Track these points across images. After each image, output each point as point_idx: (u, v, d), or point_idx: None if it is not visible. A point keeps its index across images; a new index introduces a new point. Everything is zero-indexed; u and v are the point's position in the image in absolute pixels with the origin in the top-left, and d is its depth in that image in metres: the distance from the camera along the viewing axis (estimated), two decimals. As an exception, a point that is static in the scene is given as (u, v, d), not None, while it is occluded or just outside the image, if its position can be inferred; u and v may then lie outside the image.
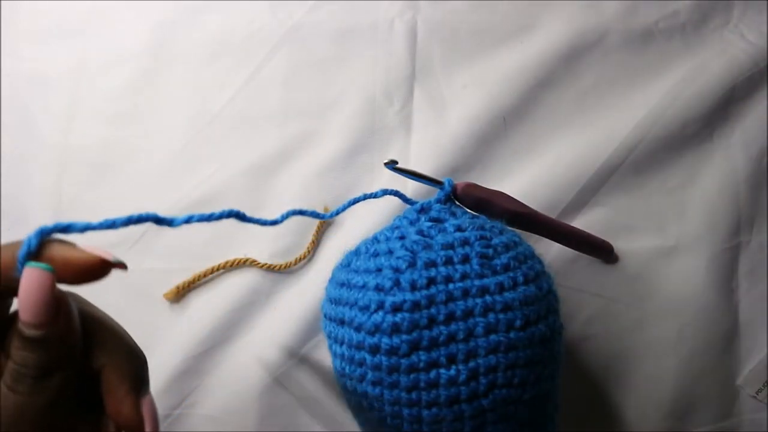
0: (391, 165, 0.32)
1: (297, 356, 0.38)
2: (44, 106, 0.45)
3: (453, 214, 0.30)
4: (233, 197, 0.42)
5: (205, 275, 0.40)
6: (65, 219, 0.42)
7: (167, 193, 0.42)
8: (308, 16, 0.46)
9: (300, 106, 0.44)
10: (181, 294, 0.40)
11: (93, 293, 0.40)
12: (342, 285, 0.30)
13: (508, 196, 0.35)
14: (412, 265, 0.27)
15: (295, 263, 0.40)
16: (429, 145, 0.43)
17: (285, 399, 0.38)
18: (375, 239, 0.30)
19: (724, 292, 0.39)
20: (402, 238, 0.29)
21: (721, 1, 0.45)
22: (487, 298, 0.26)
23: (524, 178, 0.42)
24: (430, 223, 0.29)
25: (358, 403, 0.28)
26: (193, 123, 0.44)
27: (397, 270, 0.27)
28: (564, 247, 0.39)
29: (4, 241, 0.42)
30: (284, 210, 0.41)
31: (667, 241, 0.40)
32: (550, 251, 0.40)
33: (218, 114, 0.44)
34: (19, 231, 0.43)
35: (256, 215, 0.42)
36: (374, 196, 0.32)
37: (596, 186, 0.42)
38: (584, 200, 0.41)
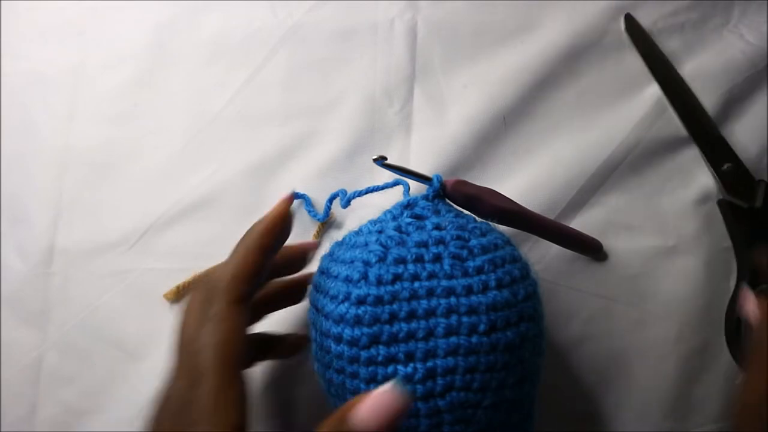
0: (380, 161, 0.32)
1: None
2: (44, 106, 0.45)
3: (437, 212, 0.31)
4: (233, 197, 0.42)
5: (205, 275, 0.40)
6: (65, 219, 0.43)
7: (167, 193, 0.42)
8: (308, 16, 0.46)
9: (300, 106, 0.44)
10: (181, 294, 0.40)
11: (93, 293, 0.41)
12: (322, 273, 0.31)
13: (498, 193, 0.35)
14: (381, 259, 0.27)
15: (295, 263, 0.40)
16: (429, 145, 0.43)
17: (286, 396, 0.38)
18: (359, 231, 0.31)
19: (723, 291, 0.39)
20: (380, 232, 0.29)
21: (721, 0, 0.45)
22: (452, 299, 0.26)
23: (524, 178, 0.42)
24: (410, 220, 0.30)
25: (326, 388, 0.29)
26: (194, 123, 0.44)
27: (366, 263, 0.27)
28: (564, 250, 0.39)
29: (4, 241, 0.42)
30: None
31: (666, 240, 0.40)
32: (549, 252, 0.40)
33: (218, 114, 0.44)
34: (20, 231, 0.43)
35: (256, 215, 0.42)
36: (387, 186, 0.35)
37: (595, 186, 0.42)
38: (583, 200, 0.41)
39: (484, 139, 0.42)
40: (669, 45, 0.44)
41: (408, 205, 0.31)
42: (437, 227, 0.29)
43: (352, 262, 0.28)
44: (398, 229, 0.29)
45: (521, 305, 0.28)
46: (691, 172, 0.42)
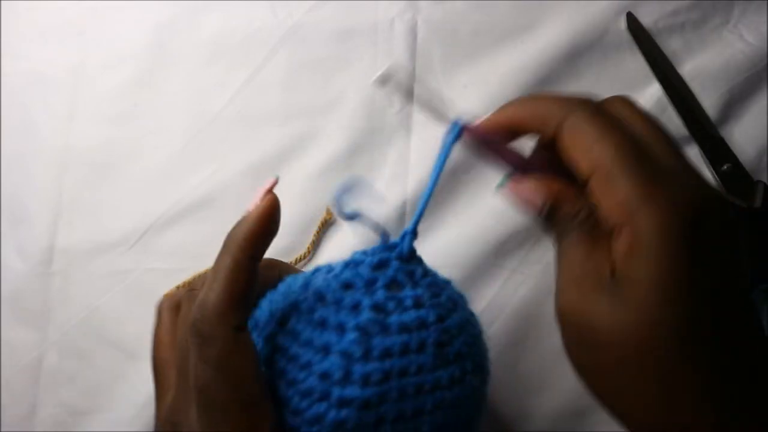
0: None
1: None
2: (44, 106, 0.45)
3: (411, 276, 0.26)
4: (233, 197, 0.42)
5: (205, 275, 0.40)
6: (65, 219, 0.43)
7: (167, 193, 0.42)
8: (308, 16, 0.46)
9: (300, 106, 0.44)
10: (181, 294, 0.40)
11: (93, 293, 0.41)
12: (281, 346, 0.25)
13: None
14: (366, 354, 0.23)
15: (296, 263, 0.40)
16: (429, 145, 0.42)
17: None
18: (320, 294, 0.25)
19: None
20: (355, 308, 0.24)
21: (721, 0, 0.45)
22: (438, 393, 0.24)
23: (524, 178, 0.42)
24: (386, 294, 0.25)
25: None
26: (194, 123, 0.44)
27: (348, 357, 0.23)
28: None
29: (4, 241, 0.42)
30: (284, 209, 0.42)
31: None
32: (548, 253, 0.40)
33: (218, 114, 0.44)
34: (20, 231, 0.43)
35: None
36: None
37: (596, 186, 0.42)
38: (584, 200, 0.41)
39: (484, 139, 0.42)
40: (669, 45, 0.44)
41: (380, 265, 0.26)
42: (417, 303, 0.25)
43: (326, 349, 0.24)
44: (376, 307, 0.24)
45: (483, 387, 0.27)
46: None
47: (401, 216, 0.41)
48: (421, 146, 0.43)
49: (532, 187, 0.23)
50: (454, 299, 0.27)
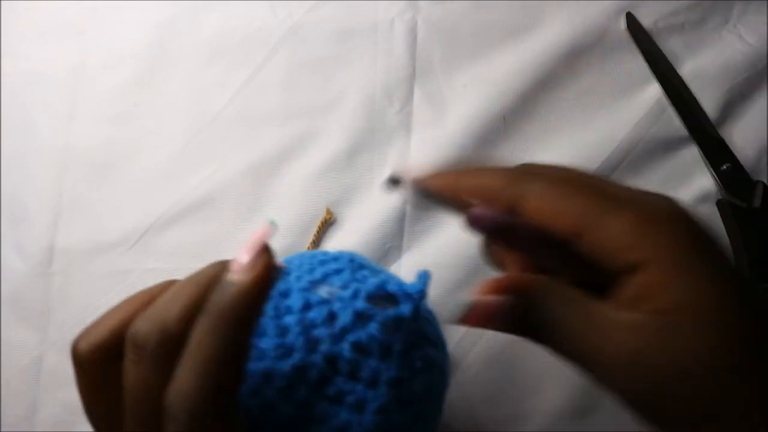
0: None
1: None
2: (44, 106, 0.45)
3: (422, 335, 0.24)
4: (233, 197, 0.42)
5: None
6: (65, 219, 0.43)
7: (167, 193, 0.42)
8: (308, 16, 0.46)
9: (300, 106, 0.44)
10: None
11: (93, 293, 0.41)
12: (287, 421, 0.23)
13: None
14: None
15: (295, 263, 0.40)
16: (429, 145, 0.43)
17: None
18: (332, 359, 0.23)
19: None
20: (373, 382, 0.23)
21: (721, 1, 0.45)
22: None
23: (524, 178, 0.42)
24: (401, 362, 0.23)
25: None
26: (193, 123, 0.44)
27: None
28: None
29: (4, 241, 0.42)
30: (284, 209, 0.42)
31: (666, 241, 0.40)
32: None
33: (218, 114, 0.44)
34: (20, 231, 0.43)
35: (257, 215, 0.42)
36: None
37: (596, 186, 0.42)
38: (584, 200, 0.41)
39: (484, 139, 0.42)
40: (669, 45, 0.44)
41: (395, 325, 0.24)
42: (427, 363, 0.24)
43: (344, 430, 0.22)
44: (395, 382, 0.23)
45: None
46: (690, 172, 0.42)
47: (401, 216, 0.41)
48: (421, 146, 0.43)
49: (492, 290, 0.20)
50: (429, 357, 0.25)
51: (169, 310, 0.19)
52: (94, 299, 0.41)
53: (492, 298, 0.20)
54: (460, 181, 0.22)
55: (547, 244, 0.20)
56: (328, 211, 0.41)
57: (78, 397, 0.39)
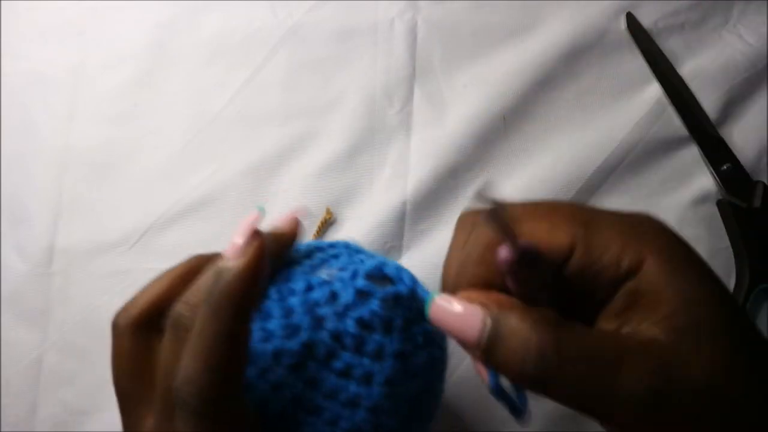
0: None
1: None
2: (44, 106, 0.45)
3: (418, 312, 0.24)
4: (233, 197, 0.42)
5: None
6: (65, 219, 0.43)
7: (167, 193, 0.42)
8: (308, 16, 0.46)
9: (300, 106, 0.44)
10: (181, 294, 0.40)
11: (93, 293, 0.41)
12: (299, 396, 0.24)
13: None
14: (395, 408, 0.24)
15: (295, 263, 0.40)
16: (429, 145, 0.43)
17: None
18: (337, 336, 0.24)
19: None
20: (378, 355, 0.24)
21: (721, 1, 0.45)
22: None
23: (523, 178, 0.42)
24: (403, 335, 0.24)
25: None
26: (194, 123, 0.44)
27: (378, 412, 0.23)
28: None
29: (2, 241, 0.42)
30: (284, 209, 0.42)
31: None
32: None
33: (218, 114, 0.44)
34: (20, 231, 0.43)
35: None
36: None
37: (595, 186, 0.42)
38: (583, 200, 0.41)
39: (484, 139, 0.42)
40: (669, 45, 0.44)
41: (395, 300, 0.24)
42: (427, 339, 0.25)
43: (354, 403, 0.23)
44: (399, 355, 0.24)
45: None
46: (690, 172, 0.42)
47: (401, 216, 0.41)
48: (421, 146, 0.43)
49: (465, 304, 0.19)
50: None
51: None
52: (94, 299, 0.41)
53: (458, 304, 0.19)
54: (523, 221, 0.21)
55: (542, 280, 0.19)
56: (328, 211, 0.41)
57: (78, 396, 0.39)
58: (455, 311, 0.18)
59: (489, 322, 0.18)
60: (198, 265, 0.24)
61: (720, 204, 0.41)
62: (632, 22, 0.44)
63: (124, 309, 0.23)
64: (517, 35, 0.45)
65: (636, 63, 0.44)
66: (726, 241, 0.40)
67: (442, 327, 0.19)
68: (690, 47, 0.44)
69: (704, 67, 0.43)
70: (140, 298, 0.23)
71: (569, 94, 0.44)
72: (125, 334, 0.23)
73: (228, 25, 0.46)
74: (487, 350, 0.18)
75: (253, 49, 0.45)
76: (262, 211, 0.21)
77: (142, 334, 0.22)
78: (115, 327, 0.23)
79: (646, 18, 0.45)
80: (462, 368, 0.37)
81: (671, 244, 0.19)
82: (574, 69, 0.44)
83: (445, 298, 0.19)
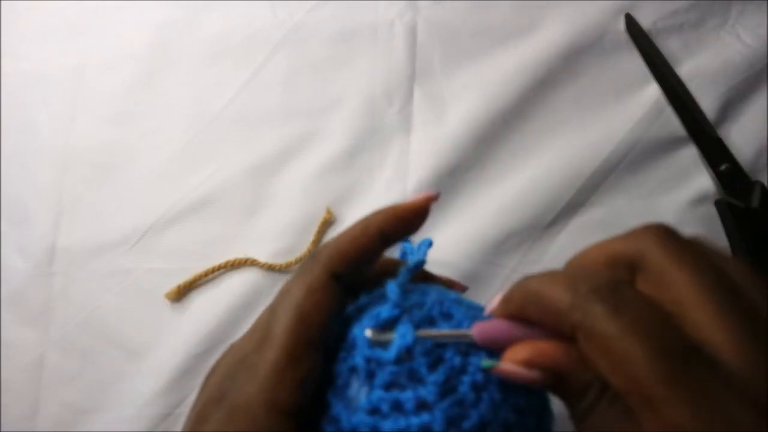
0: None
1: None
2: (45, 106, 0.45)
3: (412, 377, 0.21)
4: (233, 197, 0.42)
5: (205, 275, 0.40)
6: (66, 219, 0.43)
7: (168, 193, 0.43)
8: (308, 17, 0.46)
9: (300, 107, 0.44)
10: (182, 294, 0.40)
11: (94, 293, 0.41)
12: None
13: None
14: None
15: (296, 263, 0.40)
16: (429, 145, 0.43)
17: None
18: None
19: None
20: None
21: (719, 1, 0.45)
22: None
23: (523, 178, 0.42)
24: (381, 394, 0.21)
25: None
26: (194, 123, 0.44)
27: None
28: (562, 250, 0.40)
29: (3, 241, 0.42)
30: (284, 209, 0.42)
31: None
32: (546, 254, 0.40)
33: (218, 114, 0.44)
34: (21, 231, 0.43)
35: (256, 215, 0.42)
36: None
37: (594, 186, 0.42)
38: (582, 200, 0.42)
39: (484, 139, 0.43)
40: (668, 45, 0.44)
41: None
42: (421, 404, 0.21)
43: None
44: (372, 411, 0.21)
45: None
46: (689, 172, 0.42)
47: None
48: (421, 146, 0.43)
49: (525, 362, 0.19)
50: (480, 383, 0.21)
51: None
52: (95, 299, 0.41)
53: (520, 370, 0.19)
54: (520, 305, 0.20)
55: None
56: (328, 211, 0.41)
57: (80, 396, 0.39)
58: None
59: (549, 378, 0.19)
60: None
61: (718, 204, 0.41)
62: (631, 23, 0.45)
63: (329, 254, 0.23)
64: (516, 35, 0.45)
65: (635, 63, 0.44)
66: (724, 241, 0.41)
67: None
68: (689, 48, 0.44)
69: (703, 67, 0.44)
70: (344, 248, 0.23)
71: (569, 94, 0.44)
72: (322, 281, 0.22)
73: (228, 26, 0.46)
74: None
75: (253, 49, 0.45)
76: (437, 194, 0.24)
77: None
78: (316, 264, 0.22)
79: (645, 19, 0.45)
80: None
81: None
82: (574, 69, 0.44)
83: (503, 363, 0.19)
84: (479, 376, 0.21)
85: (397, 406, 0.21)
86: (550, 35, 0.45)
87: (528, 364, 0.19)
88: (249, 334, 0.22)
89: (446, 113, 0.44)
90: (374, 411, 0.21)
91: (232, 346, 0.23)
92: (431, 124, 0.43)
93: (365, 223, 0.23)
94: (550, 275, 0.19)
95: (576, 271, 0.18)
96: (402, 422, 0.20)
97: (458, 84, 0.44)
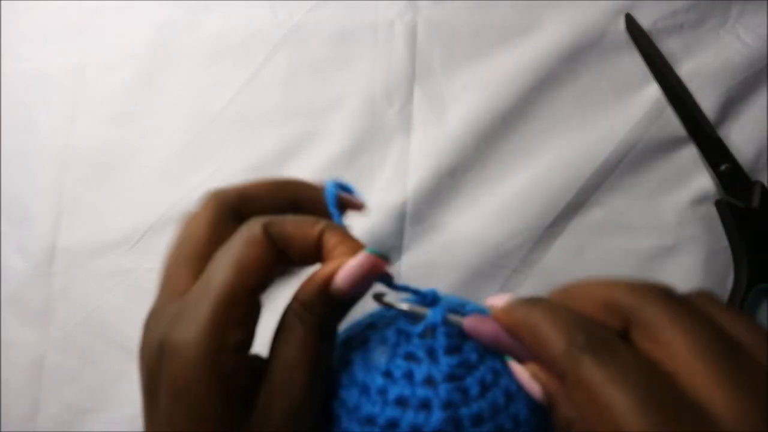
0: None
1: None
2: (45, 106, 0.45)
3: (431, 354, 0.24)
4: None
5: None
6: (66, 219, 0.43)
7: (168, 193, 0.43)
8: (308, 17, 0.46)
9: (300, 107, 0.44)
10: (182, 294, 0.40)
11: (94, 293, 0.41)
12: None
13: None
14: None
15: (296, 263, 0.40)
16: (429, 145, 0.43)
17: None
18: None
19: (721, 291, 0.40)
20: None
21: (719, 1, 0.45)
22: None
23: (523, 178, 0.42)
24: (400, 363, 0.24)
25: None
26: (194, 123, 0.44)
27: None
28: (562, 251, 0.40)
29: (3, 241, 0.42)
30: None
31: (665, 240, 0.41)
32: (547, 254, 0.40)
33: (218, 114, 0.44)
34: (21, 231, 0.43)
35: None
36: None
37: (594, 186, 0.42)
38: (582, 200, 0.42)
39: (484, 139, 0.43)
40: (668, 45, 0.44)
41: (402, 332, 0.25)
42: (429, 380, 0.23)
43: None
44: (386, 373, 0.24)
45: None
46: (689, 172, 0.42)
47: (401, 216, 0.41)
48: (421, 146, 0.43)
49: (531, 374, 0.21)
50: (488, 382, 0.24)
51: None
52: (95, 299, 0.41)
53: (525, 374, 0.21)
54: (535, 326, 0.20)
55: None
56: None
57: (80, 396, 0.39)
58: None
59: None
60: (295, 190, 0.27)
61: (718, 204, 0.41)
62: (631, 23, 0.45)
63: (224, 189, 0.25)
64: (516, 35, 0.45)
65: (635, 63, 0.44)
66: (724, 241, 0.41)
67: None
68: (689, 48, 0.44)
69: (703, 67, 0.44)
70: (240, 186, 0.25)
71: (569, 94, 0.44)
72: (213, 209, 0.24)
73: (228, 26, 0.46)
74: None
75: (253, 49, 0.45)
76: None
77: (224, 216, 0.24)
78: (209, 197, 0.25)
79: (645, 19, 0.45)
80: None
81: None
82: (574, 69, 0.44)
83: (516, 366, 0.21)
84: (488, 377, 0.23)
85: (409, 375, 0.23)
86: (550, 35, 0.45)
87: (533, 375, 0.20)
88: (169, 292, 0.23)
89: (446, 113, 0.44)
90: (388, 374, 0.23)
91: (155, 312, 0.23)
92: (431, 124, 0.43)
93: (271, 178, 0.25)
94: (552, 313, 0.19)
95: (575, 319, 0.19)
96: (407, 390, 0.23)
97: (458, 84, 0.44)
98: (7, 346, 0.40)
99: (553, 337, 0.18)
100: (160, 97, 0.45)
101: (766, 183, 0.41)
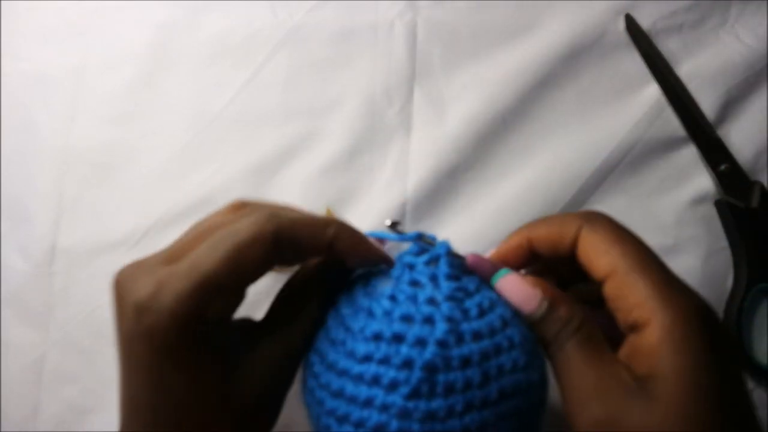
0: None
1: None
2: (45, 106, 0.45)
3: (434, 280, 0.27)
4: (233, 197, 0.42)
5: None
6: (67, 219, 0.43)
7: (168, 193, 0.43)
8: (308, 17, 0.46)
9: (300, 107, 0.44)
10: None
11: (95, 293, 0.41)
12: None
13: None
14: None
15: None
16: (429, 145, 0.43)
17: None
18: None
19: (721, 290, 0.40)
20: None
21: (719, 1, 0.45)
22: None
23: (523, 178, 0.42)
24: (405, 288, 0.27)
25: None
26: (194, 123, 0.44)
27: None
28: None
29: (3, 241, 0.42)
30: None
31: (665, 240, 0.41)
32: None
33: (219, 114, 0.44)
34: (21, 231, 0.43)
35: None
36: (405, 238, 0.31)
37: (594, 185, 0.42)
38: (582, 200, 0.42)
39: (484, 139, 0.43)
40: (667, 46, 0.44)
41: (409, 265, 0.28)
42: (431, 300, 0.26)
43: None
44: (391, 297, 0.26)
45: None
46: (689, 172, 0.42)
47: (401, 216, 0.41)
48: (421, 146, 0.43)
49: (532, 283, 0.25)
50: (485, 306, 0.27)
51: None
52: (95, 299, 0.41)
53: (531, 284, 0.25)
54: (534, 231, 0.27)
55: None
56: (328, 211, 0.41)
57: (80, 396, 0.39)
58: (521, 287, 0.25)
59: (545, 304, 0.24)
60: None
61: (718, 204, 0.41)
62: (631, 23, 0.45)
63: (281, 216, 0.26)
64: (516, 35, 0.45)
65: (635, 63, 0.44)
66: (724, 241, 0.41)
67: (506, 296, 0.26)
68: (688, 48, 0.44)
69: (702, 67, 0.44)
70: (296, 218, 0.27)
71: (568, 94, 0.44)
72: (268, 234, 0.25)
73: (228, 26, 0.46)
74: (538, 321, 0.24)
75: (253, 49, 0.45)
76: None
77: (271, 243, 0.26)
78: (267, 217, 0.26)
79: (645, 19, 0.45)
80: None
81: (688, 323, 0.21)
82: (574, 69, 0.44)
83: (515, 274, 0.26)
84: (486, 303, 0.26)
85: (413, 298, 0.26)
86: (550, 35, 0.45)
87: (533, 282, 0.25)
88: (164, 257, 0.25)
89: (446, 113, 0.44)
90: (392, 298, 0.26)
91: (140, 265, 0.25)
92: (431, 124, 0.43)
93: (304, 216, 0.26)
94: (534, 223, 0.28)
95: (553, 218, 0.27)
96: (412, 309, 0.25)
97: (458, 84, 0.44)
98: (7, 346, 0.40)
99: (561, 221, 0.26)
100: (160, 97, 0.45)
101: (765, 183, 0.41)
